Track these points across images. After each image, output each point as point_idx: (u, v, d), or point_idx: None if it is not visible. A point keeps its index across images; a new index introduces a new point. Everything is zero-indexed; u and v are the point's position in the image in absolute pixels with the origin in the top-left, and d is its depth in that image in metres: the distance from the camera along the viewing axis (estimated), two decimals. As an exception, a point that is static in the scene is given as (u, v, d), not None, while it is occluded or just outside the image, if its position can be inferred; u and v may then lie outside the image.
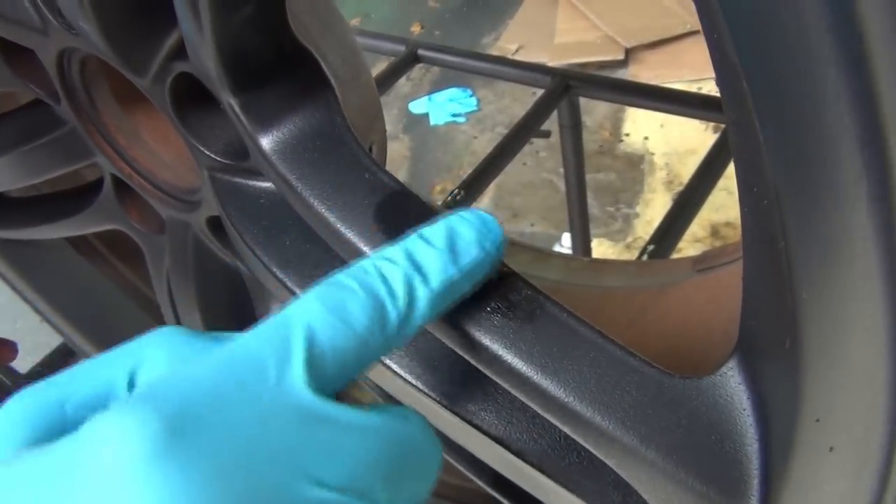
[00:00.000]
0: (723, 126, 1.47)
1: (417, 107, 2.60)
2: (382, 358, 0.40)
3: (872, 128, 0.17)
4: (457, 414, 0.39)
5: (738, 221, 0.25)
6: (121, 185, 0.56)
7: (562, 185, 1.32)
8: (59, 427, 0.25)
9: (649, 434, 0.31)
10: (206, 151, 0.44)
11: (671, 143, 2.23)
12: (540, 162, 2.29)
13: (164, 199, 0.52)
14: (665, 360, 0.61)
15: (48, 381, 0.27)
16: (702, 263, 0.72)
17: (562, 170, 1.26)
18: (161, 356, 0.27)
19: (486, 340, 0.33)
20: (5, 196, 0.68)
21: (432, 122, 2.54)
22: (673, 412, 0.31)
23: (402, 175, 2.41)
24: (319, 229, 0.38)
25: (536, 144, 2.27)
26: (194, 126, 0.44)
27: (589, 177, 2.14)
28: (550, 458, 0.38)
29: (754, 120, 0.18)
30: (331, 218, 0.36)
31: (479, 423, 0.39)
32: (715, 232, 1.99)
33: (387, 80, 1.17)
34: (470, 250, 0.30)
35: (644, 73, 2.39)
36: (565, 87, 1.09)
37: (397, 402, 0.43)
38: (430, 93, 2.63)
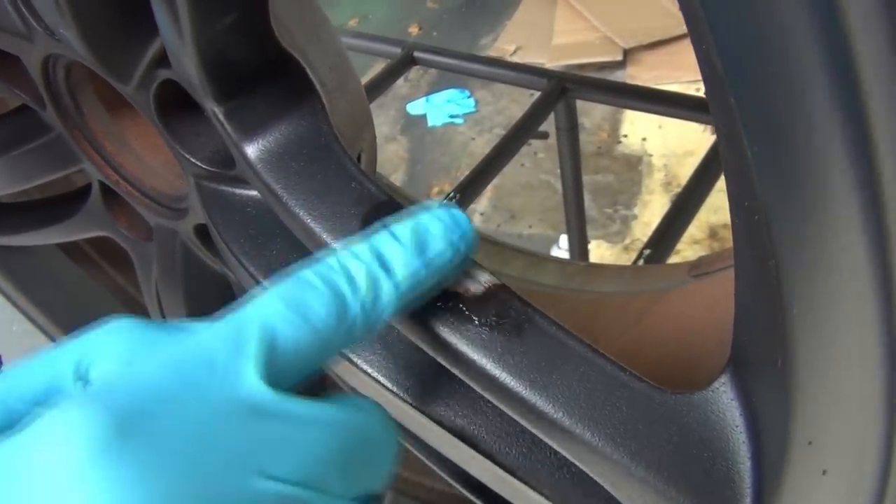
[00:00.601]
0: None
1: (415, 108, 2.60)
2: (370, 371, 0.40)
3: (862, 147, 0.17)
4: (443, 426, 0.38)
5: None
6: (108, 192, 0.55)
7: (560, 186, 1.32)
8: (2, 422, 0.25)
9: (639, 451, 0.30)
10: (191, 159, 0.43)
11: (669, 144, 2.23)
12: (538, 163, 2.29)
13: (152, 206, 0.51)
14: (660, 367, 0.61)
15: None
16: (698, 269, 0.71)
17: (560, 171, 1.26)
18: (112, 349, 0.27)
19: (474, 354, 0.32)
20: (-6, 202, 0.67)
21: (430, 123, 2.54)
22: (664, 428, 0.30)
23: (399, 176, 2.40)
24: (305, 240, 0.37)
25: (534, 146, 2.27)
26: (180, 133, 0.43)
27: (587, 178, 2.14)
28: (540, 472, 0.37)
29: (743, 138, 0.18)
30: (316, 229, 0.36)
31: (471, 437, 0.38)
32: (713, 234, 1.99)
33: (382, 83, 1.16)
34: (436, 245, 0.30)
35: (642, 73, 2.39)
36: (562, 90, 1.08)
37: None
38: (427, 94, 2.62)
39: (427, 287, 0.30)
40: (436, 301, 0.32)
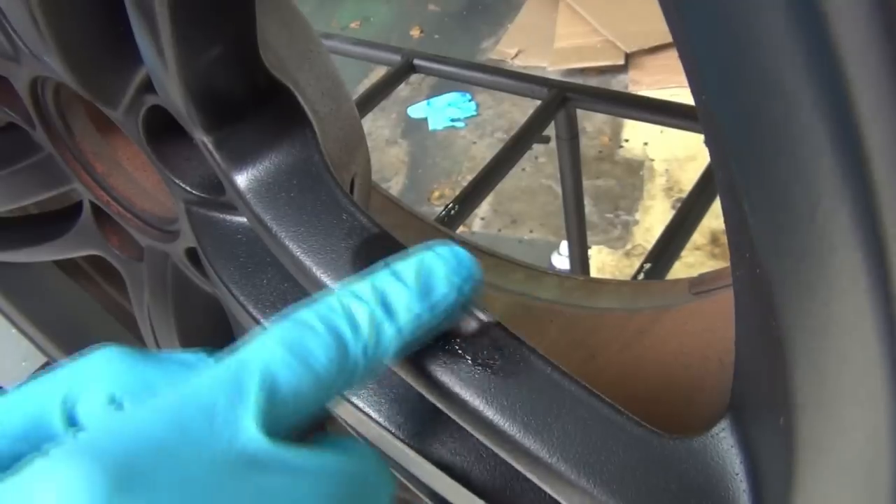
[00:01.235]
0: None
1: (416, 111, 2.59)
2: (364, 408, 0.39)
3: (869, 212, 0.16)
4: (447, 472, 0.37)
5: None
6: (100, 211, 0.54)
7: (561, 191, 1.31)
8: None
9: (636, 498, 0.29)
10: (181, 184, 0.42)
11: (671, 149, 2.22)
12: (539, 168, 2.28)
13: (143, 227, 0.51)
14: (660, 389, 0.60)
15: None
16: (699, 286, 0.70)
17: (561, 175, 1.25)
18: (100, 384, 0.26)
19: (466, 395, 0.31)
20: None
21: (431, 126, 2.53)
22: (661, 475, 0.29)
23: (400, 180, 2.39)
24: (295, 273, 0.36)
25: (536, 150, 2.25)
26: (169, 158, 0.42)
27: (588, 183, 2.13)
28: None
29: (743, 204, 0.17)
30: (306, 262, 0.35)
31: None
32: (714, 239, 1.97)
33: (381, 92, 1.15)
34: (441, 288, 0.29)
35: (644, 78, 2.38)
36: (562, 99, 1.07)
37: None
38: (429, 97, 2.62)
39: (429, 330, 0.30)
40: None
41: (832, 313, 0.17)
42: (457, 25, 3.00)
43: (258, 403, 0.24)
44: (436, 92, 2.63)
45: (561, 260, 1.95)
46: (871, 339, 0.17)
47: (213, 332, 0.54)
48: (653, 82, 2.34)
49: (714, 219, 1.99)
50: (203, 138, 0.36)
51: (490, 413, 0.31)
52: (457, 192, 0.99)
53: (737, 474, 0.29)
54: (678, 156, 2.20)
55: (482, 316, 0.32)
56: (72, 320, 0.78)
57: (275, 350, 0.25)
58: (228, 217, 0.42)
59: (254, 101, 0.36)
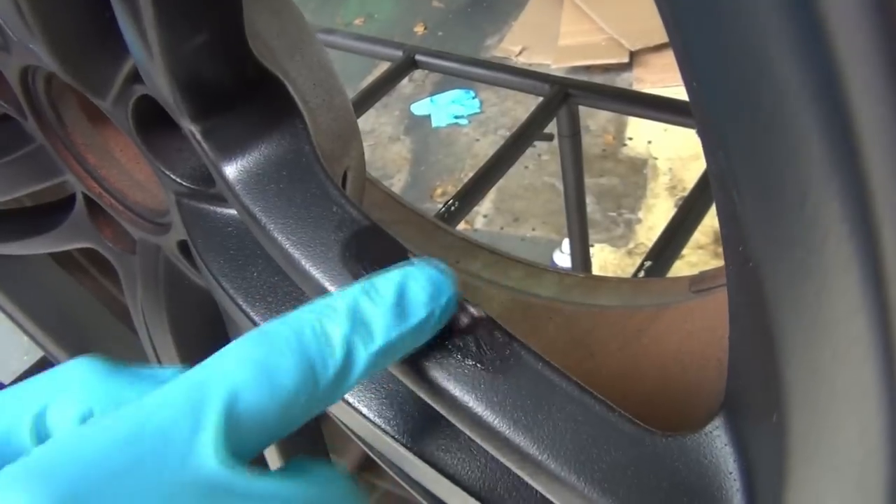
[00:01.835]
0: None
1: (419, 108, 2.58)
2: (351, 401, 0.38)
3: (860, 200, 0.15)
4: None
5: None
6: (93, 203, 0.54)
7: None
8: None
9: (627, 497, 0.29)
10: (171, 175, 0.41)
11: (675, 147, 2.21)
12: (542, 165, 2.27)
13: (135, 220, 0.50)
14: (658, 389, 0.59)
15: None
16: (699, 284, 0.69)
17: (564, 173, 1.24)
18: (71, 398, 0.25)
19: (456, 391, 0.31)
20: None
21: (434, 123, 2.52)
22: (654, 474, 0.29)
23: (402, 177, 2.39)
24: (284, 265, 0.36)
25: (538, 148, 2.25)
26: (159, 149, 0.42)
27: (591, 181, 2.12)
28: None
29: (735, 197, 0.16)
30: (295, 255, 0.34)
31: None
32: (718, 238, 1.96)
33: (382, 88, 1.14)
34: (418, 310, 0.28)
35: (649, 76, 2.37)
36: (564, 96, 1.06)
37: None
38: (432, 94, 2.61)
39: (403, 352, 0.29)
40: None
41: (823, 305, 0.16)
42: (461, 22, 2.99)
43: (218, 427, 0.23)
44: (439, 89, 2.62)
45: (563, 258, 1.94)
46: (863, 331, 0.16)
47: (206, 326, 0.53)
48: (657, 80, 2.33)
49: (716, 217, 1.98)
50: (191, 127, 0.35)
51: (480, 409, 0.30)
52: (460, 190, 0.98)
53: (730, 473, 0.28)
54: (682, 154, 2.19)
55: (473, 311, 0.32)
56: (67, 313, 0.77)
57: (241, 370, 0.24)
58: (219, 209, 0.41)
59: (243, 91, 0.36)
